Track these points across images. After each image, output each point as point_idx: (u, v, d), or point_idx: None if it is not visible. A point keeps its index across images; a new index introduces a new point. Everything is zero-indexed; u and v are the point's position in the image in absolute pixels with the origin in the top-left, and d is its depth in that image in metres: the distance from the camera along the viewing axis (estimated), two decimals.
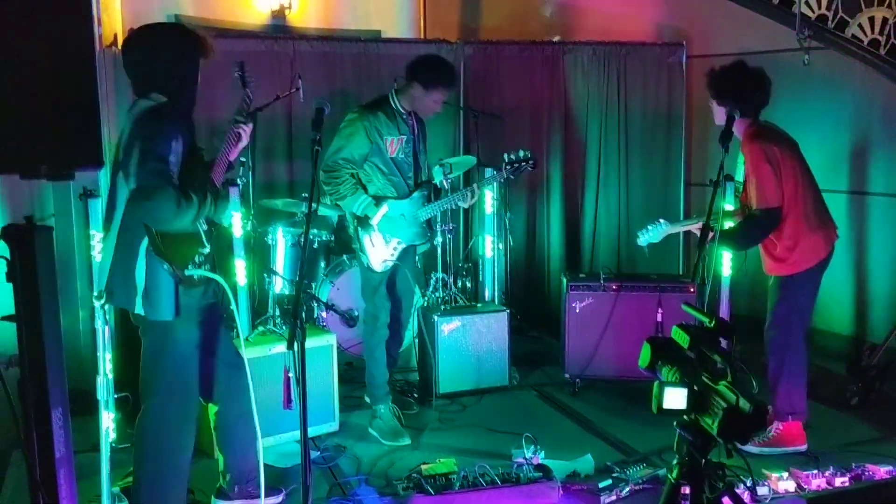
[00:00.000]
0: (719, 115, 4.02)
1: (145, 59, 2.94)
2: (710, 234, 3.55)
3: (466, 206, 4.62)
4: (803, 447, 4.06)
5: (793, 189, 3.96)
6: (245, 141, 3.14)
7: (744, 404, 1.85)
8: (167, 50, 2.94)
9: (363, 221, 4.27)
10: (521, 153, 4.47)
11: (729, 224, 4.10)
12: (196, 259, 2.96)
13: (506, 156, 4.48)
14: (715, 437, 1.94)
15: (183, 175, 2.85)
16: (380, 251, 4.32)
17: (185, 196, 2.80)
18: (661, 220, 4.23)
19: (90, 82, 1.62)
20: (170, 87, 2.90)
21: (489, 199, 5.61)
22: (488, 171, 4.89)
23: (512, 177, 4.54)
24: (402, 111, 4.31)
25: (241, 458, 3.44)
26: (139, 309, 2.97)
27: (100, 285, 3.07)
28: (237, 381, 3.20)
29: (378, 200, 4.24)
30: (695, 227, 4.12)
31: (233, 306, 3.05)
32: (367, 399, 4.58)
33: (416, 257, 4.76)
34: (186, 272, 2.90)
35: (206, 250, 3.03)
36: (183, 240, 2.92)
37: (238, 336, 3.76)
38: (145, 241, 2.86)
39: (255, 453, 3.21)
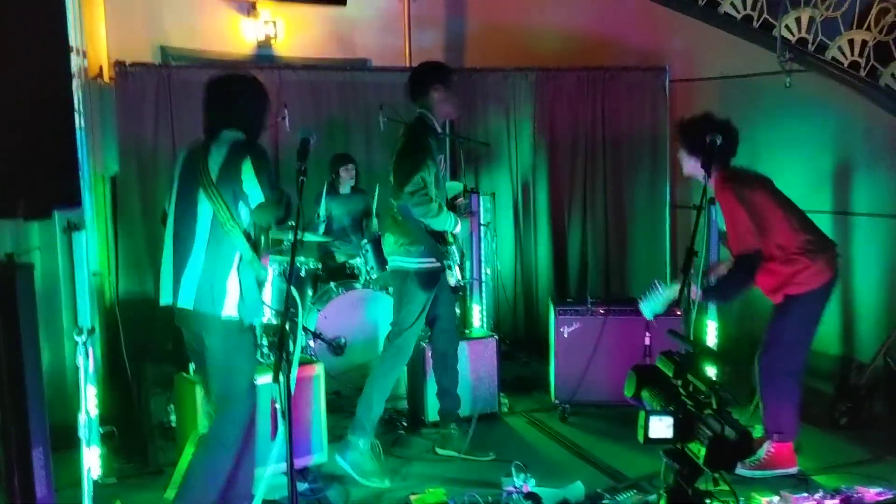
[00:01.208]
0: (688, 166, 4.08)
1: (231, 98, 3.34)
2: (694, 259, 3.56)
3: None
4: (794, 469, 4.05)
5: (781, 225, 3.99)
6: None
7: (729, 432, 1.85)
8: (249, 96, 3.38)
9: (445, 243, 4.20)
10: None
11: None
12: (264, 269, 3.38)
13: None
14: (701, 466, 1.94)
15: None
16: (457, 271, 4.30)
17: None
18: (658, 283, 4.14)
19: (68, 121, 1.62)
20: (247, 127, 3.33)
21: (475, 224, 5.62)
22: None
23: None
24: (439, 130, 4.26)
25: (243, 477, 3.48)
26: (231, 312, 3.22)
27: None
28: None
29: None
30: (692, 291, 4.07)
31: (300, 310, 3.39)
32: (350, 430, 4.22)
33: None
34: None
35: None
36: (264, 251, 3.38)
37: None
38: (237, 254, 3.22)
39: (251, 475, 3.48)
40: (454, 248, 4.26)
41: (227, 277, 3.21)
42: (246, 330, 3.31)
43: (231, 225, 3.17)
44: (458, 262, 4.29)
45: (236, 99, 3.35)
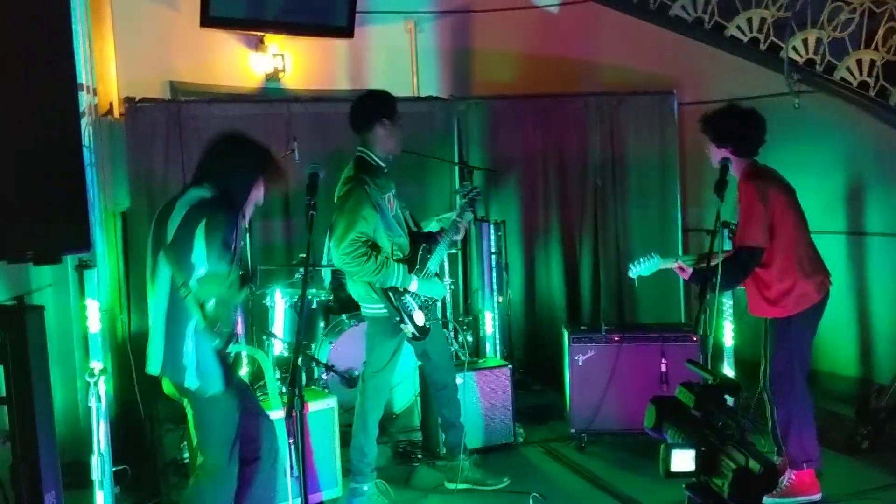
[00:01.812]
0: (716, 156, 4.04)
1: (215, 154, 3.26)
2: (710, 284, 3.52)
3: (459, 237, 4.46)
4: (817, 496, 3.98)
5: (788, 233, 3.95)
6: (248, 216, 3.37)
7: (754, 465, 1.80)
8: (233, 154, 3.26)
9: (397, 292, 4.01)
10: (467, 187, 4.49)
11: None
12: (224, 335, 3.19)
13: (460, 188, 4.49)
14: (726, 500, 1.89)
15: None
16: (418, 317, 4.08)
17: (242, 278, 3.15)
18: (654, 254, 4.21)
19: (76, 165, 1.61)
20: (223, 186, 3.18)
21: (486, 251, 5.60)
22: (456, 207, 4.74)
23: (471, 208, 4.41)
24: (382, 164, 4.11)
25: None
26: (191, 383, 3.10)
27: (154, 364, 3.17)
28: (272, 434, 3.40)
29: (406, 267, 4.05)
30: (674, 265, 4.14)
31: (269, 376, 3.33)
32: (351, 478, 4.17)
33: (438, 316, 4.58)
34: (227, 349, 3.19)
35: (230, 328, 3.26)
36: (225, 319, 3.18)
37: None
38: (192, 321, 3.07)
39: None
40: (408, 297, 4.03)
41: (183, 345, 3.08)
42: (216, 399, 3.15)
43: (185, 291, 3.04)
44: (416, 306, 4.06)
45: (221, 153, 3.26)
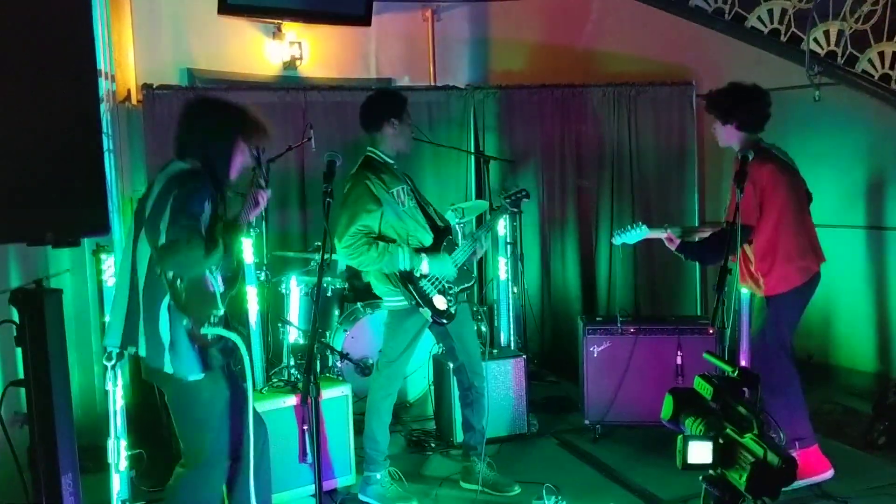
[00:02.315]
0: (724, 135, 4.08)
1: (187, 126, 3.12)
2: (728, 277, 3.50)
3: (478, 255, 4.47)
4: (829, 472, 3.95)
5: (775, 214, 3.94)
6: (262, 206, 3.24)
7: (772, 458, 1.78)
8: (206, 122, 3.11)
9: (413, 280, 3.97)
10: (515, 187, 4.50)
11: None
12: (211, 320, 3.00)
13: (503, 191, 4.47)
14: (743, 493, 1.87)
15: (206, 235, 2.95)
16: (439, 301, 4.02)
17: (211, 243, 2.90)
18: (641, 223, 4.22)
19: (96, 148, 1.61)
20: (203, 156, 3.04)
21: (502, 242, 5.59)
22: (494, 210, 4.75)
23: (514, 209, 4.50)
24: (390, 161, 4.13)
25: None
26: (168, 367, 2.97)
27: (113, 339, 3.04)
28: (261, 434, 3.26)
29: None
30: (664, 235, 4.16)
31: (246, 361, 3.01)
32: (364, 467, 4.17)
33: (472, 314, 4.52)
34: (202, 330, 2.96)
35: (221, 312, 3.07)
36: (200, 299, 2.97)
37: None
38: (167, 298, 2.92)
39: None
40: (426, 282, 3.99)
41: (158, 327, 2.93)
42: (196, 383, 3.00)
43: (159, 268, 2.90)
44: (436, 291, 4.02)
45: (193, 123, 3.12)
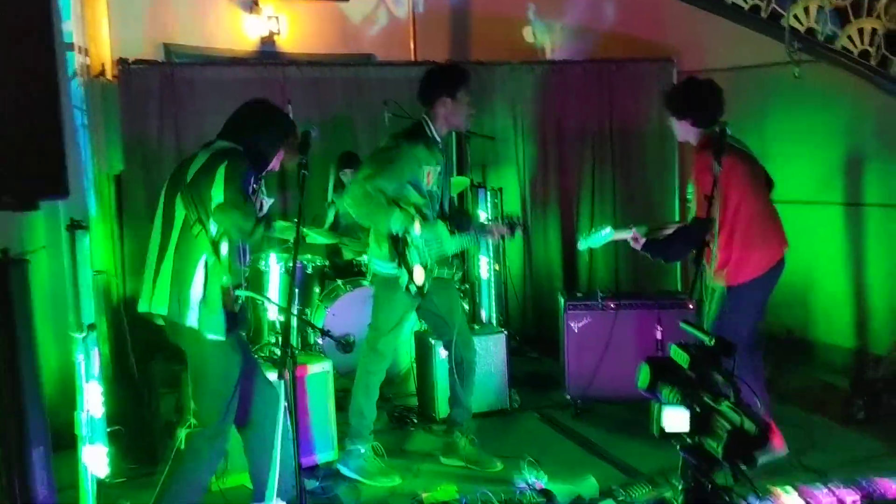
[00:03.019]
0: (681, 130, 4.07)
1: (247, 115, 3.35)
2: (707, 250, 3.50)
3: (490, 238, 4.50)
4: (783, 450, 3.95)
5: (735, 204, 3.90)
6: (265, 210, 3.35)
7: (749, 425, 1.79)
8: (265, 119, 3.38)
9: (404, 244, 3.96)
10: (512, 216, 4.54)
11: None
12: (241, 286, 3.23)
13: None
14: (720, 461, 1.88)
15: None
16: (417, 273, 4.00)
17: (258, 217, 3.15)
18: (607, 226, 4.20)
19: (55, 113, 1.57)
20: (249, 146, 3.26)
21: (483, 219, 5.57)
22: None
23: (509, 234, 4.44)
24: (438, 139, 4.08)
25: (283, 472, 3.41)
26: (192, 322, 3.11)
27: (143, 304, 3.21)
28: (270, 403, 3.34)
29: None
30: (629, 235, 4.13)
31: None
32: (348, 440, 4.14)
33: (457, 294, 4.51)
34: (237, 292, 3.19)
35: (244, 286, 3.28)
36: (235, 266, 3.20)
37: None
38: (204, 257, 3.11)
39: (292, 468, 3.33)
40: (414, 251, 3.98)
41: (190, 285, 3.11)
42: (218, 345, 3.17)
43: (198, 228, 3.10)
44: (419, 261, 3.99)
45: (246, 117, 3.35)
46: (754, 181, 4.03)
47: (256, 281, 5.09)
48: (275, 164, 3.41)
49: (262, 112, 3.40)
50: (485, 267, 5.63)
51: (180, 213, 3.16)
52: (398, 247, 3.95)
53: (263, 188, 3.35)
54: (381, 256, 4.04)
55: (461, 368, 4.31)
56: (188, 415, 3.32)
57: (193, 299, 3.11)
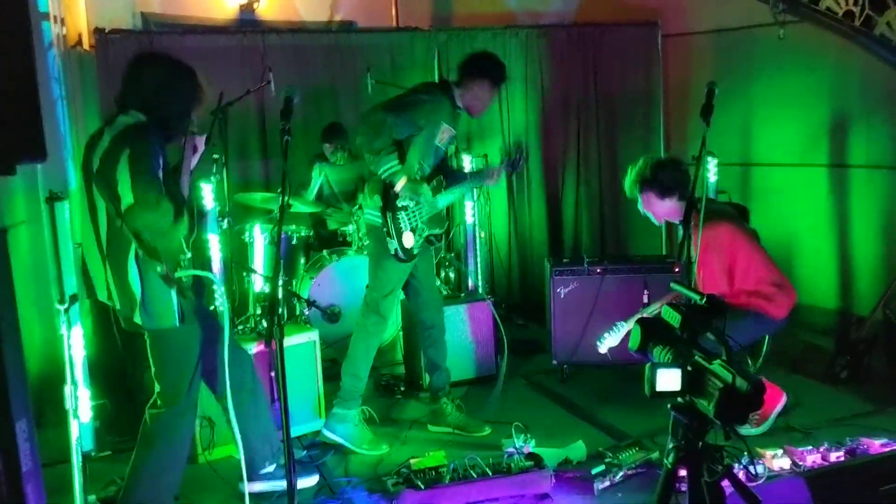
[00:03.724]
0: (664, 210, 4.07)
1: (137, 78, 3.06)
2: (695, 212, 3.48)
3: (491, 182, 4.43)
4: (784, 398, 4.04)
5: (747, 262, 3.98)
6: (201, 150, 3.21)
7: (741, 383, 1.78)
8: (155, 76, 3.07)
9: (388, 201, 3.93)
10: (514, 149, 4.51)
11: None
12: (182, 263, 3.06)
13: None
14: (712, 419, 1.87)
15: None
16: (407, 238, 3.98)
17: (178, 208, 2.94)
18: (618, 323, 4.24)
19: (29, 73, 1.52)
20: (149, 110, 3.01)
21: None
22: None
23: (510, 167, 4.51)
24: (458, 106, 4.12)
25: (261, 440, 3.50)
26: (137, 318, 3.04)
27: (101, 292, 3.14)
28: (244, 370, 3.38)
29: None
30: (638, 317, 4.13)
31: (221, 301, 3.12)
32: (337, 403, 4.11)
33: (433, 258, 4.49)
34: (177, 273, 3.02)
35: (188, 255, 3.11)
36: (167, 245, 3.01)
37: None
38: (132, 249, 2.96)
39: (273, 435, 3.51)
40: (403, 215, 3.96)
41: (130, 280, 2.98)
42: (171, 332, 3.07)
43: (119, 221, 2.93)
44: (409, 227, 3.97)
45: (141, 78, 3.06)
46: (754, 237, 4.11)
47: (241, 252, 5.04)
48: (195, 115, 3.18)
49: (168, 75, 3.08)
50: (470, 234, 5.60)
51: (100, 204, 3.01)
52: (388, 213, 3.92)
53: (194, 126, 3.13)
54: (374, 206, 4.01)
55: (433, 332, 4.31)
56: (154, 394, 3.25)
57: (137, 295, 2.99)
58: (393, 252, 3.95)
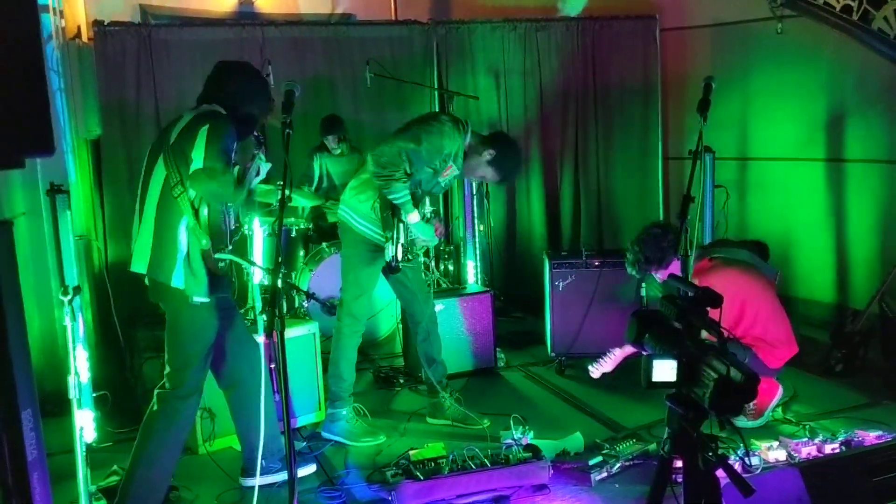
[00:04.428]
0: (665, 274, 4.11)
1: (219, 78, 3.33)
2: (690, 205, 3.51)
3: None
4: (780, 390, 4.09)
5: (755, 313, 4.04)
6: (262, 176, 3.34)
7: (735, 374, 1.81)
8: (245, 82, 3.35)
9: (396, 210, 3.94)
10: None
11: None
12: (224, 248, 3.26)
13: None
14: (707, 410, 1.90)
15: None
16: (400, 250, 4.00)
17: (240, 183, 3.14)
18: (609, 350, 4.29)
19: (38, 69, 1.54)
20: (233, 107, 3.27)
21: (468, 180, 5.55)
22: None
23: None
24: (465, 143, 4.04)
25: (266, 435, 3.47)
26: (176, 282, 3.13)
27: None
28: (254, 363, 3.43)
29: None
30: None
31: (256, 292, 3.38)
32: (329, 405, 4.18)
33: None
34: (217, 255, 3.19)
35: (229, 248, 3.30)
36: (217, 229, 3.21)
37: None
38: (184, 220, 3.11)
39: (276, 429, 3.54)
40: (401, 226, 3.95)
41: (173, 246, 3.13)
42: (198, 306, 3.18)
43: (179, 190, 3.10)
44: (402, 241, 3.98)
45: (227, 79, 3.31)
46: (760, 281, 4.14)
47: (241, 245, 5.06)
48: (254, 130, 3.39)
49: (247, 76, 3.38)
50: (469, 227, 5.61)
51: (160, 173, 3.15)
52: (394, 219, 3.93)
53: (262, 154, 3.32)
54: (370, 218, 4.01)
55: (423, 326, 4.32)
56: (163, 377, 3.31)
57: (177, 260, 3.12)
58: (388, 258, 3.95)
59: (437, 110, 4.06)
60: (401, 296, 4.37)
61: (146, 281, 3.27)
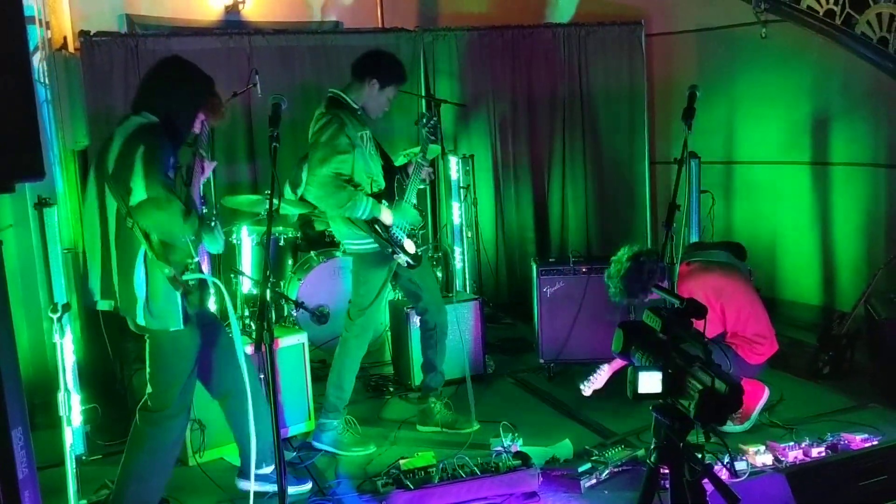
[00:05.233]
0: (654, 296, 4.08)
1: (155, 81, 3.16)
2: (676, 213, 3.54)
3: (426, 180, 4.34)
4: (767, 391, 4.12)
5: (736, 314, 4.12)
6: (207, 174, 3.25)
7: (719, 385, 1.83)
8: (168, 79, 3.16)
9: (384, 226, 3.96)
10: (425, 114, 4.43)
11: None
12: (189, 266, 3.10)
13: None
14: (693, 420, 1.93)
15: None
16: (409, 245, 4.04)
17: (188, 209, 2.97)
18: (599, 366, 4.32)
19: (27, 91, 1.55)
20: (164, 112, 3.08)
21: (455, 186, 5.58)
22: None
23: (431, 136, 4.32)
24: (355, 106, 4.02)
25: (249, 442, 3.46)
26: (140, 319, 3.05)
27: (94, 293, 3.14)
28: (238, 374, 3.34)
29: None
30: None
31: (228, 303, 3.15)
32: (322, 414, 4.16)
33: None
34: (184, 277, 3.05)
35: (195, 259, 3.14)
36: (174, 249, 3.06)
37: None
38: (142, 251, 2.98)
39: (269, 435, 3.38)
40: (395, 229, 4.00)
41: (136, 281, 3.00)
42: (173, 335, 3.09)
43: (131, 221, 2.95)
44: (405, 236, 4.03)
45: (153, 81, 3.15)
46: (744, 283, 4.22)
47: (229, 255, 5.06)
48: (197, 127, 3.21)
49: (172, 74, 3.17)
50: (457, 233, 5.63)
51: (111, 204, 3.02)
52: (383, 232, 3.95)
53: (205, 150, 3.18)
54: (353, 235, 4.02)
55: (435, 333, 4.34)
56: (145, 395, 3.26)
57: (141, 296, 3.02)
58: (406, 265, 4.01)
59: (319, 116, 3.99)
60: (414, 303, 4.40)
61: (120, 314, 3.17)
